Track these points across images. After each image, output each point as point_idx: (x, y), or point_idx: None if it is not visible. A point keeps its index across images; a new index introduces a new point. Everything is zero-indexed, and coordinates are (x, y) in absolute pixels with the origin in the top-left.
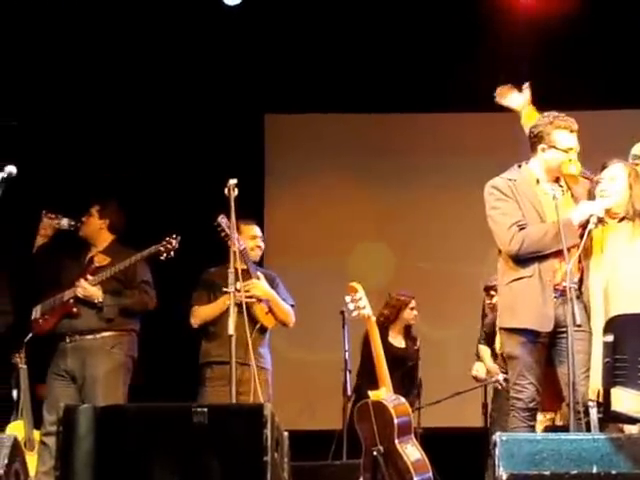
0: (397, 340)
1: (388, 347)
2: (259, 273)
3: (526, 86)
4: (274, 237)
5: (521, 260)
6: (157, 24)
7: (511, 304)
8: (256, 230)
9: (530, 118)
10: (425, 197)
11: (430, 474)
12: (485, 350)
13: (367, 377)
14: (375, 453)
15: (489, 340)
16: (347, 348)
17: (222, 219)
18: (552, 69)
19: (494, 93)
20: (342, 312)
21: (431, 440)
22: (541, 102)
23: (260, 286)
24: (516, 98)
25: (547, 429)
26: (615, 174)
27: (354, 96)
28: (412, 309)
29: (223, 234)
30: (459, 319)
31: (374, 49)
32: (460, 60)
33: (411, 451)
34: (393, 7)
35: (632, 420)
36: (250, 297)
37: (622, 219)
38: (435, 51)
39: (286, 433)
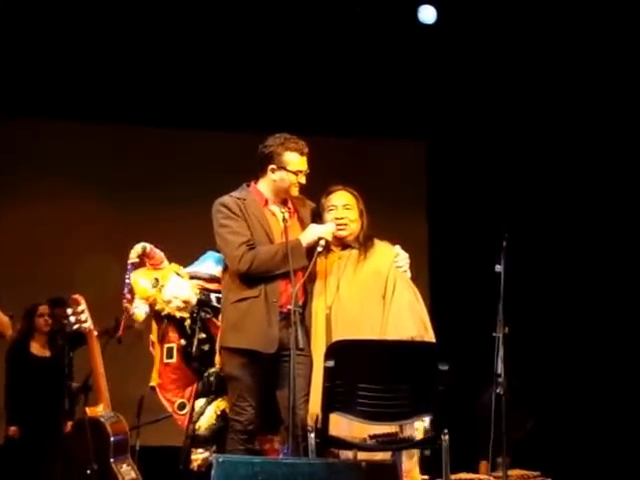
0: (40, 350)
1: (29, 358)
2: None
3: None
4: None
5: (248, 280)
6: None
7: (236, 323)
8: None
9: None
10: (161, 208)
11: None
12: None
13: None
14: (88, 472)
15: None
16: (66, 362)
17: None
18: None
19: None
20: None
21: (146, 458)
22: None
23: None
24: None
25: None
26: (348, 202)
27: (93, 105)
28: (41, 316)
29: None
30: None
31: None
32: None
33: (126, 470)
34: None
35: (348, 445)
36: None
37: (346, 247)
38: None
39: None
